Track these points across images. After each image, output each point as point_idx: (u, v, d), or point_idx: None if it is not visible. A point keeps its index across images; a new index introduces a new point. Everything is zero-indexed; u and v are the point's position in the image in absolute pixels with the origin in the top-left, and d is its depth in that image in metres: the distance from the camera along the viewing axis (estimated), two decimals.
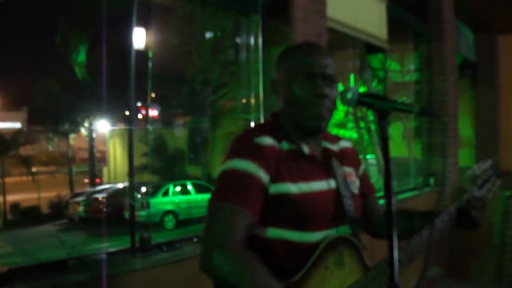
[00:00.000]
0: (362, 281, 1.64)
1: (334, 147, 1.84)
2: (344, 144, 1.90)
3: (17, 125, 28.81)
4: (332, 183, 1.73)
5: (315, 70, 1.67)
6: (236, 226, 1.51)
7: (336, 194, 1.72)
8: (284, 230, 1.62)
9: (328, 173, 1.75)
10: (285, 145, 1.69)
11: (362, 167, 1.95)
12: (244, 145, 1.65)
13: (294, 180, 1.64)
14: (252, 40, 3.96)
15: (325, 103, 1.67)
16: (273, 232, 1.63)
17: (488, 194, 1.91)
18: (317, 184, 1.69)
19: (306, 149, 1.71)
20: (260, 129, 1.70)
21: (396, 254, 1.36)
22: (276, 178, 1.62)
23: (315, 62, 1.68)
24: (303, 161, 1.70)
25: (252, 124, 3.89)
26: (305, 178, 1.67)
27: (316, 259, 1.61)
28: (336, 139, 1.90)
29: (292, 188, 1.63)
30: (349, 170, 1.85)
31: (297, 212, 1.62)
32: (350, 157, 1.89)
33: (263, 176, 1.59)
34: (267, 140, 1.65)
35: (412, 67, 7.19)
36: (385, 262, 1.64)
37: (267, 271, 1.50)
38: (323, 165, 1.75)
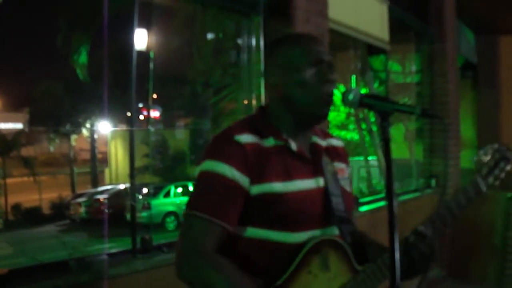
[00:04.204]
0: (350, 285, 1.61)
1: (323, 143, 1.75)
2: (336, 142, 1.84)
3: (19, 126, 28.83)
4: (321, 181, 1.67)
5: (324, 57, 1.65)
6: (206, 236, 1.52)
7: (324, 193, 1.66)
8: (266, 230, 1.58)
9: (317, 170, 1.68)
10: (271, 141, 1.63)
11: (349, 172, 1.86)
12: (221, 145, 1.60)
13: (280, 178, 1.58)
14: (253, 41, 3.95)
15: (333, 88, 1.65)
16: (253, 232, 1.59)
17: (496, 182, 1.75)
18: (304, 182, 1.62)
19: (293, 145, 1.64)
20: (242, 126, 1.64)
21: (397, 255, 1.34)
22: (258, 178, 1.57)
23: (322, 50, 1.66)
24: (290, 158, 1.63)
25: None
26: (292, 176, 1.60)
27: (299, 263, 1.56)
28: (327, 135, 1.83)
29: (277, 187, 1.57)
30: (341, 166, 1.79)
31: (282, 212, 1.57)
32: (341, 155, 1.83)
33: (240, 178, 1.55)
34: (248, 138, 1.59)
35: (413, 68, 7.20)
36: (375, 265, 1.61)
37: (244, 274, 1.51)
38: (312, 162, 1.68)
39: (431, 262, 1.61)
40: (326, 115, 1.66)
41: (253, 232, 1.59)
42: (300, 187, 1.61)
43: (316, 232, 1.62)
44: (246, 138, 1.59)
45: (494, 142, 1.80)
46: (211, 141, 1.65)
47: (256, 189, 1.57)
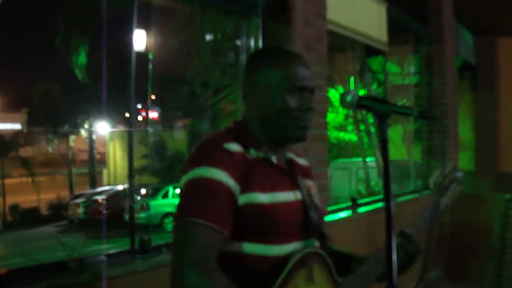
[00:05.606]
0: None
1: (298, 160, 1.79)
2: (303, 162, 1.85)
3: (17, 126, 28.87)
4: (298, 195, 1.68)
5: (307, 85, 1.65)
6: (211, 245, 1.44)
7: (302, 206, 1.67)
8: (258, 244, 1.55)
9: (294, 184, 1.69)
10: (253, 153, 1.61)
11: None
12: (212, 152, 1.55)
13: (263, 189, 1.57)
14: (252, 43, 3.96)
15: (310, 116, 1.67)
16: (249, 247, 1.55)
17: (449, 201, 1.91)
18: (285, 194, 1.63)
19: (273, 158, 1.65)
20: (227, 135, 1.63)
21: (394, 256, 1.35)
22: (245, 187, 1.54)
23: (307, 76, 1.66)
24: (271, 170, 1.63)
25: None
26: (275, 187, 1.60)
27: (286, 277, 1.53)
28: (297, 153, 1.85)
29: (261, 197, 1.55)
30: (310, 183, 1.81)
31: (266, 223, 1.55)
32: (308, 174, 1.85)
33: (233, 185, 1.51)
34: (235, 147, 1.57)
35: (412, 69, 7.20)
36: (355, 276, 1.67)
37: None
38: (289, 175, 1.70)
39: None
40: (303, 138, 1.68)
41: (249, 247, 1.55)
42: (283, 199, 1.61)
43: (297, 245, 1.62)
44: (234, 147, 1.57)
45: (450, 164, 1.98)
46: (197, 149, 1.60)
47: (242, 199, 1.54)
